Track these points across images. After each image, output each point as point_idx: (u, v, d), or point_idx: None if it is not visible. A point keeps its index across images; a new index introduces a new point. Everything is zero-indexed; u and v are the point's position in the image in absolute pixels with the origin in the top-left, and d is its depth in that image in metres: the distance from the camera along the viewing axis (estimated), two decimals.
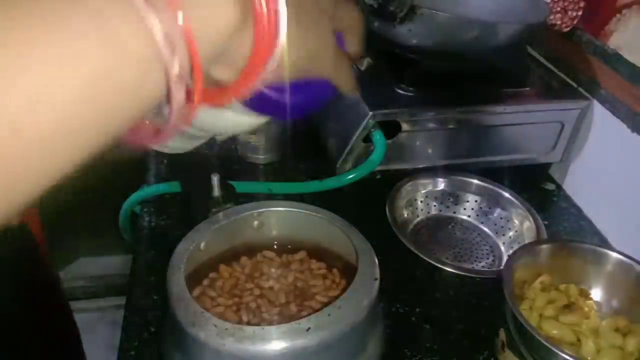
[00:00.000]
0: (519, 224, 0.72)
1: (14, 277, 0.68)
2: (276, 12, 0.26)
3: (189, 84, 0.24)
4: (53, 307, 0.81)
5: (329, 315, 0.43)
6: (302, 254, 0.55)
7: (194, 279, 0.50)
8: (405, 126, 0.71)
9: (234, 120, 0.37)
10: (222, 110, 0.35)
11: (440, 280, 0.63)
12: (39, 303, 0.75)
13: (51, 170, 0.23)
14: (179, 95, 0.24)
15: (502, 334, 0.52)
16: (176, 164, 0.77)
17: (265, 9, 0.26)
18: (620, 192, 0.70)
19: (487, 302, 0.61)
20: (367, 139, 0.70)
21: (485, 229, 0.74)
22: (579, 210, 0.77)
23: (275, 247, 0.56)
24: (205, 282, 0.52)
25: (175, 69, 0.23)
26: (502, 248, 0.71)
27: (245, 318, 0.48)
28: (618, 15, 0.69)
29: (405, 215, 0.73)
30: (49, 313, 0.78)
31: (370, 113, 0.68)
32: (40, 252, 0.76)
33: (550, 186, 0.81)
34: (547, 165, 0.83)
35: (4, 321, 0.66)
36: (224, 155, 0.80)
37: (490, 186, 0.74)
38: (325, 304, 0.48)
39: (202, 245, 0.51)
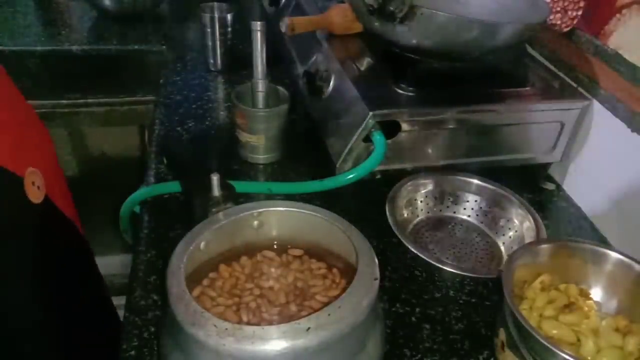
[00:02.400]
0: (519, 224, 0.72)
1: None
2: None
3: None
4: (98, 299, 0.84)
5: (329, 315, 0.43)
6: (302, 254, 0.55)
7: (194, 279, 0.50)
8: (405, 126, 0.71)
9: None
10: None
11: (440, 280, 0.63)
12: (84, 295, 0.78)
13: None
14: None
15: (502, 334, 0.52)
16: (176, 164, 0.77)
17: None
18: (620, 192, 0.70)
19: (487, 302, 0.61)
20: (367, 139, 0.70)
21: (485, 229, 0.74)
22: (579, 210, 0.77)
23: (275, 247, 0.56)
24: (205, 282, 0.52)
25: None
26: (502, 248, 0.71)
27: (245, 318, 0.48)
28: (618, 15, 0.69)
29: (405, 215, 0.73)
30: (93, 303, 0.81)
31: (370, 113, 0.68)
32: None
33: (550, 186, 0.81)
34: (547, 165, 0.83)
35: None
36: (224, 155, 0.80)
37: (490, 186, 0.74)
38: (325, 304, 0.48)
39: (202, 245, 0.51)
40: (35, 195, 0.61)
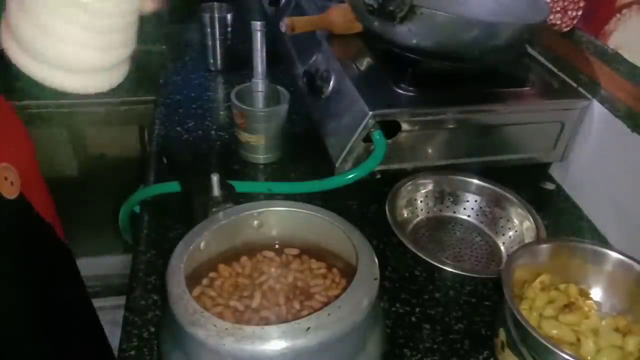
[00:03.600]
0: (519, 224, 0.72)
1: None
2: None
3: None
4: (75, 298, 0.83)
5: (329, 315, 0.43)
6: (301, 254, 0.55)
7: (194, 278, 0.50)
8: (405, 126, 0.71)
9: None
10: None
11: (440, 280, 0.63)
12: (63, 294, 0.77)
13: None
14: None
15: (502, 334, 0.52)
16: (176, 164, 0.77)
17: None
18: (620, 192, 0.70)
19: (487, 302, 0.61)
20: (367, 139, 0.70)
21: (485, 229, 0.74)
22: (579, 210, 0.77)
23: (275, 247, 0.56)
24: (205, 281, 0.52)
25: None
26: (502, 248, 0.71)
27: (245, 318, 0.48)
28: (618, 15, 0.69)
29: (405, 215, 0.73)
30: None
31: (370, 113, 0.68)
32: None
33: (550, 186, 0.81)
34: (547, 165, 0.83)
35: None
36: (224, 155, 0.80)
37: (490, 186, 0.74)
38: (325, 304, 0.48)
39: (202, 245, 0.51)
40: (7, 190, 0.59)
